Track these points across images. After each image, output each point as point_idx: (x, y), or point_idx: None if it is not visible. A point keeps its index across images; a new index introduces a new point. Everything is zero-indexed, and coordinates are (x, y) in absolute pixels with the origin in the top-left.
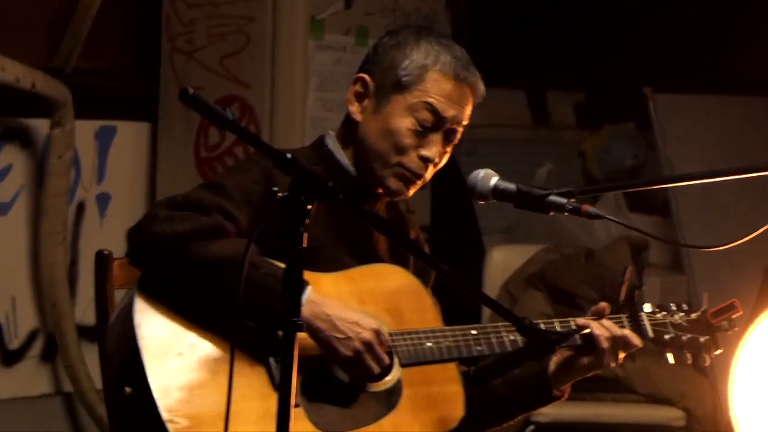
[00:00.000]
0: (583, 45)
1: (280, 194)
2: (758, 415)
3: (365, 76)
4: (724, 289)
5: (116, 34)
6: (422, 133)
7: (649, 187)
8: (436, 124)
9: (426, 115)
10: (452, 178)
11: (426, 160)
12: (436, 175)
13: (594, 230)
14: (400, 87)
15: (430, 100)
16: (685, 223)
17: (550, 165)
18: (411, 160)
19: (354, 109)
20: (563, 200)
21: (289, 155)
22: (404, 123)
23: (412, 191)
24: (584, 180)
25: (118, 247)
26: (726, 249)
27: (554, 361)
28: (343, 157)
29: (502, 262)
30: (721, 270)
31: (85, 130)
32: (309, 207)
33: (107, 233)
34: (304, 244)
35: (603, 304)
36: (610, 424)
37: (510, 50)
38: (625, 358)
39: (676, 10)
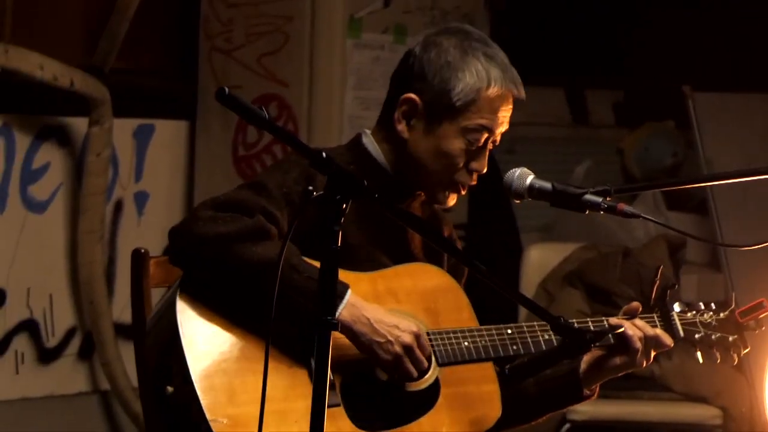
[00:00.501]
0: (622, 43)
1: (315, 194)
2: None
3: (415, 97)
4: (762, 286)
5: (155, 32)
6: (472, 149)
7: (686, 186)
8: (486, 141)
9: (478, 136)
10: (490, 176)
11: (475, 172)
12: None
13: (632, 228)
14: (453, 111)
15: (484, 122)
16: (723, 222)
17: (588, 163)
18: (461, 174)
19: (401, 128)
20: (599, 199)
21: (324, 154)
22: (457, 144)
23: (455, 200)
24: (623, 178)
25: (155, 246)
26: (762, 247)
27: (585, 361)
28: (381, 156)
29: (540, 261)
30: (759, 268)
31: (124, 129)
32: (344, 206)
33: (145, 231)
34: (339, 243)
35: (635, 304)
36: (646, 422)
37: (549, 49)
38: (660, 356)
39: (717, 8)
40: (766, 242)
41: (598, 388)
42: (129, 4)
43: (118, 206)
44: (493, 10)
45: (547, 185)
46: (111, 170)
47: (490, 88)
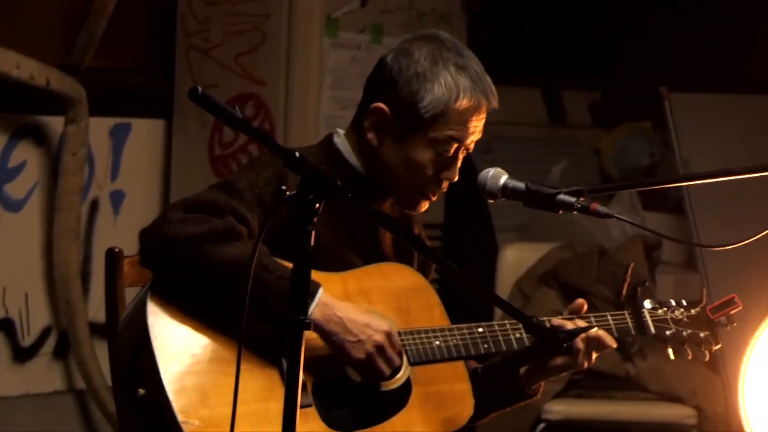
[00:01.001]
0: (599, 44)
1: (288, 193)
2: None
3: (384, 107)
4: (738, 286)
5: (132, 31)
6: (442, 158)
7: (661, 186)
8: (456, 151)
9: (448, 147)
10: (467, 176)
11: (446, 180)
12: None
13: (608, 228)
14: (422, 123)
15: (453, 133)
16: (699, 222)
17: (565, 163)
18: (431, 183)
19: (371, 136)
20: (572, 199)
21: (297, 154)
22: (426, 155)
23: (426, 206)
24: (600, 179)
25: (131, 245)
26: (740, 247)
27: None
28: (353, 157)
29: (515, 260)
30: (734, 268)
31: (100, 128)
32: (317, 206)
33: (121, 231)
34: (312, 243)
35: (579, 301)
36: (621, 422)
37: (526, 49)
38: (635, 356)
39: (693, 10)
40: (741, 242)
41: (541, 387)
42: (106, 3)
43: (94, 205)
44: (469, 11)
45: (521, 185)
46: (87, 169)
47: (459, 100)
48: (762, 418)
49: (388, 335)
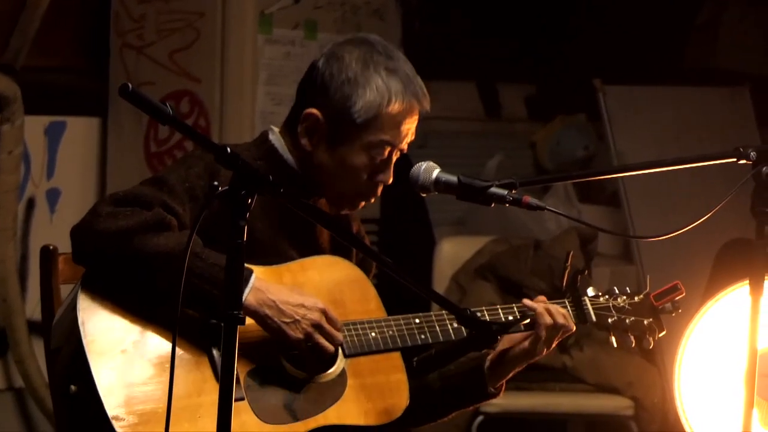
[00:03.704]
0: (534, 37)
1: (221, 188)
2: (705, 403)
3: (317, 113)
4: (674, 277)
5: (66, 30)
6: (376, 162)
7: (591, 178)
8: (390, 153)
9: (381, 151)
10: (403, 170)
11: (381, 183)
12: None
13: (544, 221)
14: (355, 127)
15: (386, 137)
16: (635, 213)
17: (501, 157)
18: (366, 186)
19: (305, 142)
20: (504, 191)
21: (228, 149)
22: (360, 160)
23: (362, 206)
24: (536, 172)
25: (67, 242)
26: (675, 238)
27: (489, 358)
28: (287, 153)
29: (452, 254)
30: (670, 259)
31: (35, 126)
32: (249, 201)
33: (57, 228)
34: (245, 237)
35: (541, 299)
36: (558, 413)
37: (461, 43)
38: (572, 347)
39: (628, 2)
40: (674, 232)
41: (504, 387)
42: (40, 2)
43: (30, 204)
44: (404, 5)
45: (453, 178)
46: (23, 167)
47: (391, 104)
48: (698, 408)
49: (324, 312)
